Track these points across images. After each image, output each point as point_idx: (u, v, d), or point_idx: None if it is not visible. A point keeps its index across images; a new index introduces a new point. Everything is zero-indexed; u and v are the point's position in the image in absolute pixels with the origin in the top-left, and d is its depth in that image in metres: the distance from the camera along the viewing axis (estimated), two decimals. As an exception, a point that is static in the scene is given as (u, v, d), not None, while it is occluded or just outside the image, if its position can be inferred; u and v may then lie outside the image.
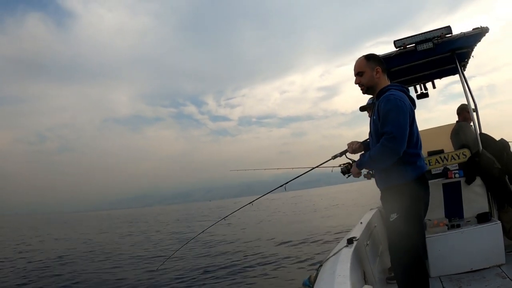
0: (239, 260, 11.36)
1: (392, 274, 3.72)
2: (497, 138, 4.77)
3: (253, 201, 4.32)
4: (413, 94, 5.63)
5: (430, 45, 4.25)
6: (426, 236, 3.79)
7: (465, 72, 5.07)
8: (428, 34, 4.26)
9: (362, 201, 31.56)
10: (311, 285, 3.19)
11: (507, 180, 4.38)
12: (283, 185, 4.07)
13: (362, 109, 4.46)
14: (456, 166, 4.47)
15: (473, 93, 5.00)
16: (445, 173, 4.48)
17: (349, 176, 3.29)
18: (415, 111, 2.85)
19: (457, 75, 4.81)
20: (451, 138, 5.02)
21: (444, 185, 4.44)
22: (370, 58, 2.91)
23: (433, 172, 4.52)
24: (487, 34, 4.25)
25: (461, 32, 4.22)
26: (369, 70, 2.87)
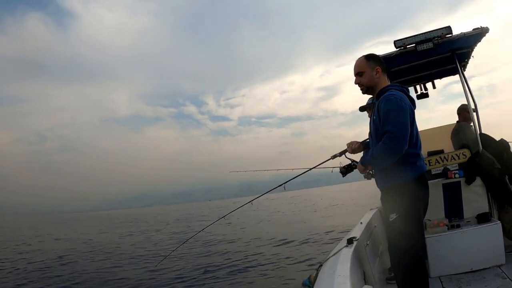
0: (238, 260, 11.36)
1: (392, 274, 3.72)
2: (497, 138, 4.77)
3: (253, 200, 4.33)
4: (413, 94, 5.63)
5: (430, 45, 4.25)
6: (426, 236, 3.80)
7: (465, 72, 5.07)
8: (428, 34, 4.26)
9: (362, 201, 31.53)
10: (311, 285, 3.20)
11: (507, 180, 4.38)
12: (283, 185, 4.08)
13: (361, 109, 4.47)
14: (456, 166, 4.47)
15: (473, 93, 5.00)
16: (445, 173, 4.48)
17: (346, 174, 3.31)
18: (415, 111, 2.85)
19: (457, 75, 4.81)
20: (451, 138, 5.02)
21: (444, 185, 4.43)
22: (370, 58, 2.91)
23: (433, 172, 4.51)
24: (487, 34, 4.26)
25: (461, 32, 4.22)
26: (369, 70, 2.87)
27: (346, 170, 3.31)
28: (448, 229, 4.00)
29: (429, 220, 4.02)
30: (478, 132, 4.69)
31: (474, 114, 4.76)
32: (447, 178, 4.45)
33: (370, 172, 4.29)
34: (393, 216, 2.75)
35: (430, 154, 4.65)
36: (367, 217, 4.58)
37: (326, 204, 39.43)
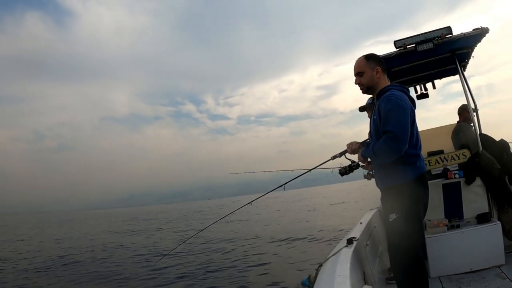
0: (238, 259, 11.40)
1: (392, 275, 3.72)
2: (497, 138, 4.77)
3: (253, 201, 4.34)
4: (413, 94, 5.63)
5: (430, 45, 4.25)
6: (426, 236, 3.79)
7: (465, 73, 5.07)
8: (428, 35, 4.26)
9: (362, 199, 31.58)
10: (310, 285, 3.19)
11: (507, 180, 4.38)
12: (283, 185, 4.08)
13: (361, 109, 4.47)
14: (456, 166, 4.47)
15: (472, 93, 5.00)
16: (445, 174, 4.47)
17: (346, 174, 3.31)
18: (415, 111, 2.85)
19: (457, 75, 4.82)
20: (451, 139, 5.02)
21: (444, 185, 4.43)
22: (370, 58, 2.91)
23: (433, 173, 4.51)
24: (486, 35, 4.26)
25: (461, 33, 4.22)
26: (369, 70, 2.87)
27: (345, 171, 3.31)
28: (448, 229, 4.00)
29: (429, 220, 4.02)
30: (478, 132, 4.69)
31: (474, 114, 4.76)
32: (447, 178, 4.45)
33: (370, 172, 4.29)
34: (393, 216, 2.75)
35: (430, 154, 4.64)
36: (367, 217, 4.59)
37: (325, 203, 39.47)
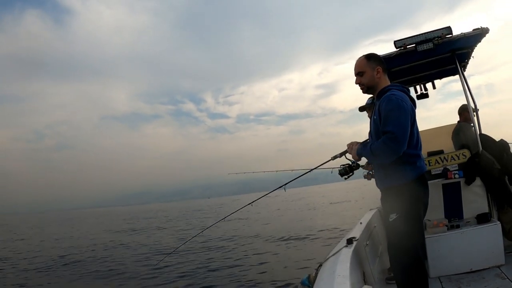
0: (238, 258, 11.46)
1: (392, 275, 3.72)
2: (496, 138, 4.77)
3: (253, 201, 4.34)
4: (413, 94, 5.63)
5: (430, 45, 4.24)
6: (426, 236, 3.79)
7: (465, 73, 5.07)
8: (428, 35, 4.26)
9: (361, 198, 31.60)
10: (310, 285, 3.19)
11: (507, 181, 4.38)
12: (283, 186, 4.08)
13: (361, 109, 4.46)
14: (456, 166, 4.47)
15: (472, 91, 5.01)
16: (444, 174, 4.47)
17: (348, 177, 3.29)
18: (416, 111, 2.85)
19: (457, 75, 4.81)
20: (452, 139, 5.02)
21: (444, 185, 4.43)
22: (370, 57, 2.90)
23: (433, 173, 4.51)
24: (486, 35, 4.26)
25: (462, 33, 4.21)
26: (369, 70, 2.86)
27: (345, 172, 3.30)
28: (447, 229, 4.00)
29: (428, 220, 4.02)
30: (478, 132, 4.69)
31: (474, 114, 4.77)
32: (447, 178, 4.45)
33: (370, 172, 4.28)
34: (393, 216, 2.74)
35: (430, 154, 4.65)
36: (366, 217, 4.59)
37: (325, 202, 39.51)
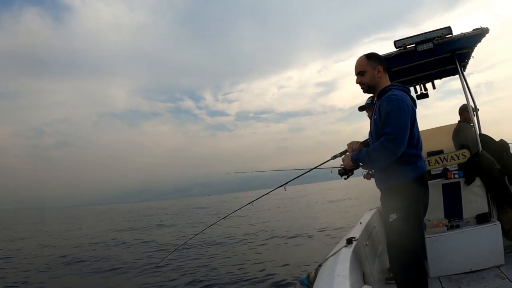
0: (238, 256, 11.52)
1: (391, 275, 3.72)
2: (496, 136, 4.78)
3: (253, 201, 4.36)
4: (413, 94, 5.63)
5: (430, 45, 4.25)
6: (426, 236, 3.79)
7: (465, 73, 5.07)
8: (428, 35, 4.26)
9: (361, 196, 31.59)
10: (309, 284, 3.18)
11: (507, 181, 4.38)
12: (283, 186, 4.08)
13: (361, 109, 4.46)
14: (455, 166, 4.47)
15: (471, 90, 5.01)
16: (444, 174, 4.48)
17: (347, 177, 3.29)
18: (416, 111, 2.84)
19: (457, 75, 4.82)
20: (452, 139, 5.03)
21: (443, 185, 4.43)
22: (371, 57, 2.89)
23: (432, 173, 4.51)
24: (486, 35, 4.26)
25: (461, 33, 4.22)
26: (370, 69, 2.85)
27: (345, 171, 3.29)
28: (447, 229, 4.00)
29: (428, 220, 4.02)
30: (478, 132, 4.69)
31: (474, 114, 4.77)
32: (446, 178, 4.45)
33: (370, 172, 4.28)
34: (393, 216, 2.74)
35: (430, 154, 4.65)
36: (366, 217, 4.58)
37: (325, 200, 39.53)
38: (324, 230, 14.83)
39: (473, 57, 4.90)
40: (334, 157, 3.37)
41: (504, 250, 3.87)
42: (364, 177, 4.68)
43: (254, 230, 17.28)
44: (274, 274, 8.61)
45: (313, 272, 3.15)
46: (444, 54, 4.64)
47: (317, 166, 3.81)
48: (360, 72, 2.90)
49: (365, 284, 3.02)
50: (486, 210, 4.23)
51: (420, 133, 2.86)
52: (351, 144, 3.22)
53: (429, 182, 2.91)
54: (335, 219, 18.23)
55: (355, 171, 3.33)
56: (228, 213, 4.89)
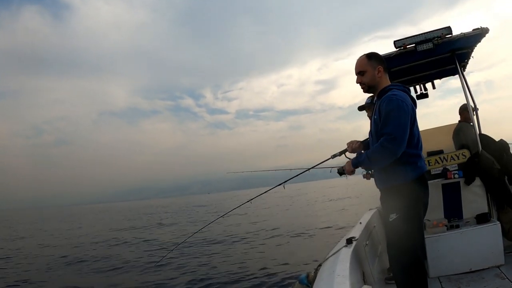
0: (237, 254, 11.54)
1: (391, 275, 3.72)
2: (496, 135, 4.79)
3: (252, 199, 4.40)
4: (413, 94, 5.63)
5: (430, 45, 4.24)
6: (425, 236, 3.80)
7: (464, 72, 5.07)
8: (428, 35, 4.26)
9: (361, 195, 31.59)
10: (308, 284, 3.19)
11: (507, 181, 4.39)
12: (282, 184, 4.09)
13: (360, 108, 4.46)
14: (455, 166, 4.47)
15: (471, 89, 5.01)
16: (444, 174, 4.48)
17: (343, 175, 3.30)
18: (416, 111, 2.84)
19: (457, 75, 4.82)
20: (453, 138, 5.03)
21: (443, 185, 4.43)
22: (371, 57, 2.89)
23: (432, 173, 4.51)
24: (486, 35, 4.26)
25: (461, 33, 4.22)
26: (371, 69, 2.85)
27: (344, 170, 3.29)
28: (447, 229, 4.00)
29: (428, 220, 4.02)
30: (478, 132, 4.69)
31: (474, 114, 4.77)
32: (446, 178, 4.45)
33: (370, 172, 4.28)
34: (393, 216, 2.74)
35: (430, 154, 4.65)
36: (366, 217, 4.59)
37: (324, 198, 39.50)
38: (324, 229, 14.82)
39: (473, 57, 4.90)
40: (334, 156, 3.37)
41: (504, 250, 3.87)
42: (364, 177, 4.68)
43: (254, 229, 17.29)
44: (273, 274, 8.61)
45: (313, 272, 3.15)
46: (444, 54, 4.63)
47: (315, 165, 3.82)
48: (360, 72, 2.90)
49: (365, 284, 3.03)
50: (486, 210, 4.23)
51: (420, 133, 2.86)
52: (350, 144, 3.22)
53: (429, 182, 2.92)
54: (335, 218, 18.22)
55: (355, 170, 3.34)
56: (227, 211, 4.91)
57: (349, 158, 3.29)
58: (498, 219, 4.13)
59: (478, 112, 5.20)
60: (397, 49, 4.39)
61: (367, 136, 3.17)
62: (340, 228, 14.10)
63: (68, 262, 12.45)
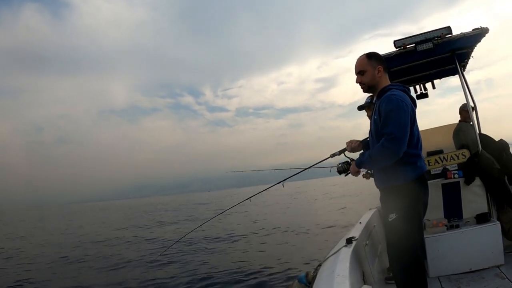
0: (236, 252, 11.58)
1: (391, 274, 3.72)
2: (496, 134, 4.79)
3: (251, 197, 4.42)
4: (412, 94, 5.63)
5: (430, 45, 4.24)
6: (425, 236, 3.81)
7: (464, 72, 5.07)
8: (428, 34, 4.26)
9: (360, 193, 31.60)
10: (307, 283, 3.19)
11: (506, 180, 4.39)
12: (281, 182, 4.11)
13: (360, 108, 4.46)
14: (455, 166, 4.47)
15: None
16: (444, 174, 4.48)
17: (347, 175, 3.30)
18: (416, 110, 2.85)
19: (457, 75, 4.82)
20: (453, 138, 5.04)
21: (443, 185, 4.43)
22: (371, 56, 2.89)
23: (432, 173, 4.51)
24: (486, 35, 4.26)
25: (461, 33, 4.21)
26: (370, 69, 2.85)
27: (344, 169, 3.29)
28: (447, 229, 4.00)
29: (428, 220, 4.02)
30: (478, 132, 4.69)
31: (474, 114, 4.78)
32: (446, 178, 4.45)
33: (369, 171, 4.28)
34: (392, 216, 2.74)
35: (430, 154, 4.65)
36: (366, 217, 4.59)
37: (324, 196, 39.46)
38: (324, 228, 14.82)
39: (472, 57, 4.90)
40: (333, 155, 3.38)
41: (504, 250, 3.87)
42: (363, 177, 4.69)
43: (254, 227, 17.33)
44: (273, 272, 8.61)
45: (312, 271, 3.16)
46: (444, 54, 4.63)
47: (314, 164, 3.83)
48: (360, 72, 2.89)
49: (365, 284, 3.03)
50: (486, 210, 4.23)
51: (420, 133, 2.86)
52: (350, 143, 3.23)
53: (428, 182, 2.91)
54: (335, 217, 18.21)
55: None
56: (230, 207, 4.94)
57: (348, 158, 3.29)
58: (498, 219, 4.12)
59: (478, 111, 5.20)
60: (397, 49, 4.39)
61: (367, 134, 3.18)
62: (339, 227, 14.12)
63: (68, 261, 12.45)
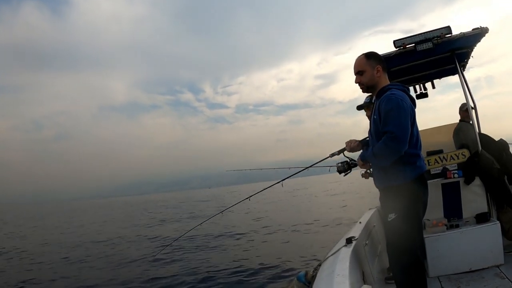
0: (236, 251, 11.59)
1: (391, 274, 3.73)
2: (496, 132, 4.79)
3: (251, 196, 4.47)
4: (412, 94, 5.64)
5: (429, 45, 4.24)
6: (425, 236, 3.81)
7: (464, 72, 5.07)
8: (427, 34, 4.26)
9: (360, 190, 31.59)
10: (306, 282, 3.20)
11: (506, 180, 4.39)
12: (280, 182, 4.12)
13: (359, 108, 4.47)
14: (455, 166, 4.47)
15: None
16: (444, 173, 4.47)
17: (346, 174, 3.30)
18: (416, 110, 2.85)
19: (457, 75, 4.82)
20: (453, 138, 5.04)
21: (443, 185, 4.43)
22: (370, 56, 2.89)
23: (432, 172, 4.51)
24: (486, 34, 4.26)
25: (461, 32, 4.21)
26: (369, 69, 2.85)
27: (344, 169, 3.30)
28: (447, 229, 4.00)
29: (428, 220, 4.02)
30: (478, 132, 4.69)
31: (474, 114, 4.78)
32: (446, 178, 4.45)
33: (368, 171, 4.29)
34: (392, 216, 2.75)
35: (429, 154, 4.65)
36: (366, 217, 4.59)
37: (324, 194, 39.43)
38: (324, 226, 14.82)
39: (472, 56, 4.90)
40: (332, 155, 3.39)
41: (504, 249, 3.87)
42: (362, 176, 4.69)
43: (254, 224, 17.34)
44: (273, 270, 8.64)
45: (312, 271, 3.16)
46: (444, 53, 4.62)
47: (314, 164, 3.84)
48: (359, 72, 2.90)
49: (364, 284, 3.04)
50: (486, 210, 4.23)
51: (420, 132, 2.86)
52: (349, 143, 3.23)
53: (428, 181, 2.92)
54: (335, 215, 18.21)
55: (353, 169, 3.35)
56: (229, 206, 4.95)
57: (347, 157, 3.30)
58: (498, 219, 4.12)
59: (478, 108, 5.20)
60: (397, 49, 4.39)
61: (367, 132, 3.18)
62: (339, 225, 14.12)
63: (69, 260, 12.46)
